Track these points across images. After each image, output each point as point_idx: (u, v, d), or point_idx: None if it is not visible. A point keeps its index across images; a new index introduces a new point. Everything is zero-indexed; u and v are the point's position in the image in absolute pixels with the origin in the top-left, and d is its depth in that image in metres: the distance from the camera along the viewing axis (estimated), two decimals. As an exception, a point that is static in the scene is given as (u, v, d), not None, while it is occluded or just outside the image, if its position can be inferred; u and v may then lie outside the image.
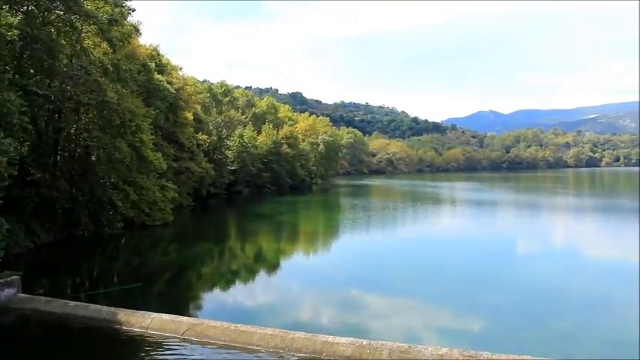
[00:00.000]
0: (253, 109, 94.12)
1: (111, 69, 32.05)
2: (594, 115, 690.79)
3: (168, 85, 46.24)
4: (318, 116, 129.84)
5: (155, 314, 14.43)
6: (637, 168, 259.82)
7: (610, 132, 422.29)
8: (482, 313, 17.36)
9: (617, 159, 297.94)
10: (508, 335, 15.06)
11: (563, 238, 36.16)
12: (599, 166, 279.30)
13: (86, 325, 14.32)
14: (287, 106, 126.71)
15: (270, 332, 13.14)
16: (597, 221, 45.64)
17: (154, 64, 46.36)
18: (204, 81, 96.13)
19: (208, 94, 78.40)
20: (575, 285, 21.66)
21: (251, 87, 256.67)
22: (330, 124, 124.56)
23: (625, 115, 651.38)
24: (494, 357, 11.27)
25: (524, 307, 18.01)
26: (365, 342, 12.33)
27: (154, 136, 39.99)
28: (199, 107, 63.52)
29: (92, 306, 15.47)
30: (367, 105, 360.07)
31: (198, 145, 56.26)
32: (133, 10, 36.05)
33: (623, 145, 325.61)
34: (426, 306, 18.29)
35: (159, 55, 51.58)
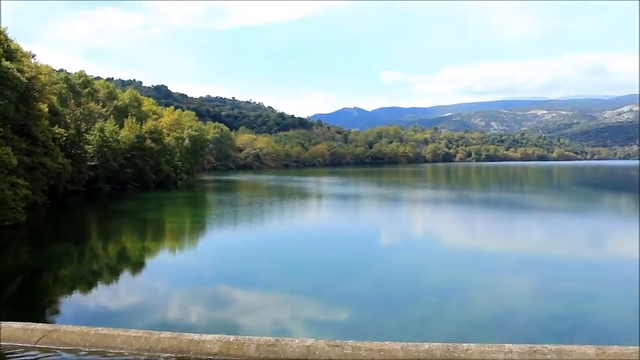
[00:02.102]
0: (115, 101, 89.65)
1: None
2: (449, 114, 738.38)
3: (19, 74, 42.74)
4: (183, 110, 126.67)
5: (4, 323, 13.34)
6: (487, 163, 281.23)
7: (463, 129, 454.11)
8: (348, 303, 17.95)
9: (469, 154, 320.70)
10: (371, 323, 15.71)
11: (422, 229, 38.26)
12: (454, 161, 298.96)
13: None
14: (151, 99, 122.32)
15: (134, 334, 12.66)
16: (452, 212, 48.81)
17: (1, 50, 42.69)
18: (61, 70, 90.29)
19: (65, 85, 73.65)
20: (431, 273, 23.07)
21: (113, 78, 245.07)
22: (196, 118, 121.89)
23: (475, 114, 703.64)
24: (358, 344, 11.69)
25: (386, 295, 18.87)
26: (232, 338, 12.28)
27: (2, 129, 36.95)
28: (55, 98, 59.41)
29: None
30: (234, 100, 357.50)
31: (54, 139, 52.54)
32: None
33: (474, 141, 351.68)
34: (294, 299, 18.59)
35: (7, 39, 47.42)
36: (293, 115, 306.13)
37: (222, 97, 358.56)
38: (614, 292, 19.42)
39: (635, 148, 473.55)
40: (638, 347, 11.51)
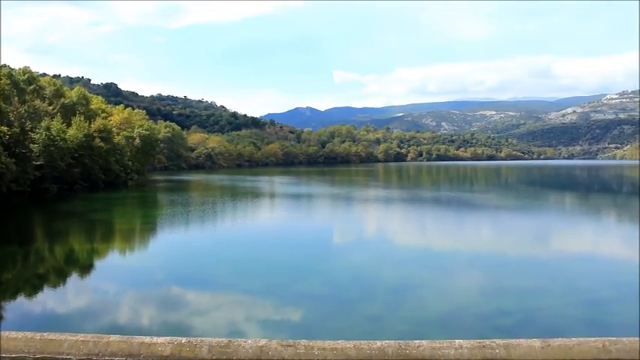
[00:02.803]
0: (62, 99, 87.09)
1: None
2: (401, 114, 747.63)
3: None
4: (134, 109, 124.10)
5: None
6: (438, 162, 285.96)
7: (415, 129, 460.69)
8: (301, 302, 17.99)
9: (420, 154, 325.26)
10: (325, 322, 15.79)
11: (374, 228, 38.64)
12: (405, 161, 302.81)
13: None
14: (100, 97, 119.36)
15: (81, 338, 12.32)
16: (404, 211, 49.45)
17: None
18: (4, 66, 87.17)
19: (8, 81, 71.22)
20: (384, 271, 23.32)
21: (60, 75, 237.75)
22: (147, 117, 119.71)
23: (427, 114, 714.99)
24: (311, 344, 11.71)
25: (339, 294, 18.99)
26: (184, 340, 12.09)
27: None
28: (-3, 96, 57.50)
29: None
30: (186, 99, 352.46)
31: (-4, 138, 50.86)
32: None
33: (425, 141, 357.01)
34: (248, 299, 18.50)
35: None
36: (246, 115, 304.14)
37: (174, 95, 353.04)
38: (558, 287, 20.04)
39: (579, 148, 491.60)
40: (580, 339, 11.93)
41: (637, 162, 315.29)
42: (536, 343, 11.80)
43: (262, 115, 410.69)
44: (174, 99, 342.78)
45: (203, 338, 11.97)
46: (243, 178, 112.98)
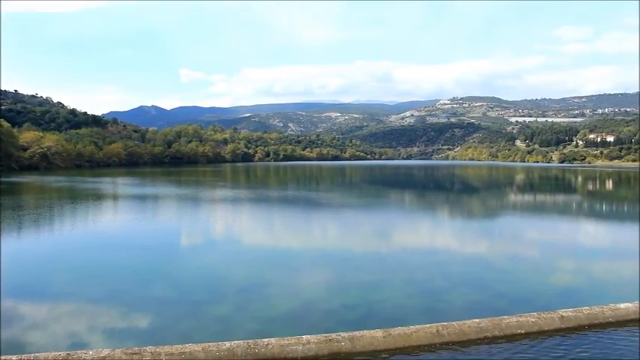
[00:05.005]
0: None
1: None
2: (249, 114, 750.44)
3: None
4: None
5: None
6: (285, 163, 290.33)
7: (262, 130, 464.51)
8: (148, 308, 17.34)
9: (268, 154, 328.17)
10: (173, 326, 15.37)
11: (222, 228, 38.31)
12: (253, 161, 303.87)
13: None
14: None
15: None
16: (252, 211, 49.60)
17: None
18: None
19: None
20: (232, 271, 23.23)
21: None
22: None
23: (274, 115, 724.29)
24: (158, 349, 11.41)
25: (186, 297, 18.59)
26: (15, 357, 11.28)
27: None
28: None
29: None
30: (17, 93, 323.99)
31: None
32: None
33: (272, 142, 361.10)
34: (91, 308, 17.42)
35: None
36: (86, 113, 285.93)
37: (3, 89, 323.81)
38: (398, 279, 21.25)
39: (416, 149, 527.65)
40: (417, 326, 12.89)
41: (466, 162, 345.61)
42: (379, 333, 12.53)
43: (104, 113, 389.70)
44: (3, 93, 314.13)
45: (38, 353, 11.17)
46: (83, 179, 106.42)
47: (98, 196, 64.62)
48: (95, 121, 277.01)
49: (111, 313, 16.98)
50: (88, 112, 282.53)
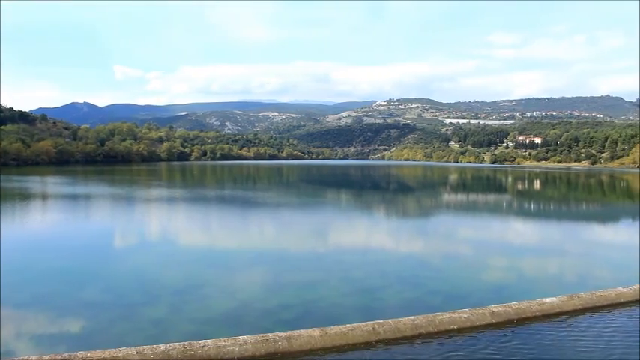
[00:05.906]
0: None
1: None
2: (185, 113, 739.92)
3: None
4: None
5: None
6: (222, 162, 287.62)
7: (198, 129, 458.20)
8: (80, 312, 16.81)
9: (205, 153, 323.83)
10: (106, 330, 14.99)
11: (157, 229, 37.60)
12: (190, 160, 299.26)
13: None
14: None
15: None
16: (187, 211, 48.90)
17: None
18: None
19: None
20: (167, 272, 22.82)
21: None
22: None
23: (211, 113, 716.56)
24: (89, 354, 11.15)
25: (120, 299, 18.17)
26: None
27: None
28: None
29: None
30: None
31: None
32: None
33: (209, 141, 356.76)
34: (18, 313, 16.71)
35: None
36: (12, 108, 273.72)
37: None
38: (335, 278, 21.46)
39: (353, 149, 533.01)
40: (354, 324, 13.10)
41: (402, 162, 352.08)
42: (316, 332, 12.65)
43: (33, 109, 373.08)
44: None
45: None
46: (8, 178, 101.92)
47: (25, 196, 62.12)
48: (22, 117, 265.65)
49: (39, 318, 16.38)
50: (15, 108, 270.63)
